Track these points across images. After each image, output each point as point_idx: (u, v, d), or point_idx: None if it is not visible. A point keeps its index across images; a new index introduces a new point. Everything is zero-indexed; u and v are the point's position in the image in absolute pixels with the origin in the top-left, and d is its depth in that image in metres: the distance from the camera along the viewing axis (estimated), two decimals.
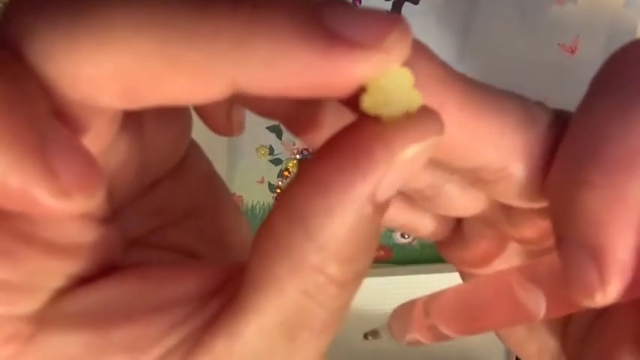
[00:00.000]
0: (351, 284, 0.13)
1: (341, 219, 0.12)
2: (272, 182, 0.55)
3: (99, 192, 0.11)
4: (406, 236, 0.56)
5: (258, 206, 0.55)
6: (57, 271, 0.13)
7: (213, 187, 0.18)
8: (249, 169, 0.54)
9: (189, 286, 0.13)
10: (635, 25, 0.48)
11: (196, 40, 0.10)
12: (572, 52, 0.49)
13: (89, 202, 0.11)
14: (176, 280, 0.13)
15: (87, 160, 0.11)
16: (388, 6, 0.49)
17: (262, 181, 0.55)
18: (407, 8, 0.49)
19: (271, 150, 0.54)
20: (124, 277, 0.13)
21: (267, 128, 0.53)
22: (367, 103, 0.12)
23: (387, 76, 0.11)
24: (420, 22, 0.49)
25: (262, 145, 0.54)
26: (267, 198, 0.55)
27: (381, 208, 0.12)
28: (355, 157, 0.12)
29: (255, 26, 0.10)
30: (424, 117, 0.12)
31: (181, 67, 0.10)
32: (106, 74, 0.11)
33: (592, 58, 0.49)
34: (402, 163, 0.12)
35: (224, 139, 0.52)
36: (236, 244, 0.18)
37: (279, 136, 0.53)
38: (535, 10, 0.49)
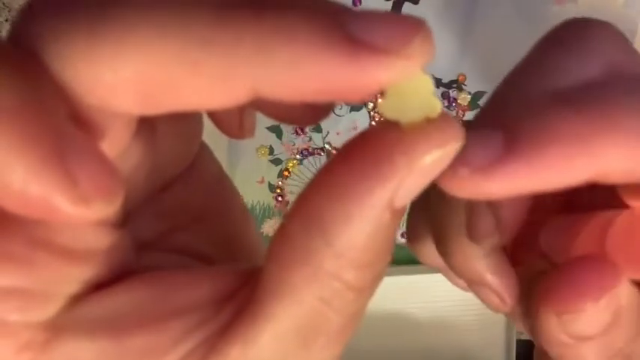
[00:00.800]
0: (368, 290, 0.13)
1: (359, 226, 0.12)
2: (272, 182, 0.55)
3: (118, 198, 0.11)
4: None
5: (258, 206, 0.55)
6: (72, 278, 0.13)
7: (222, 189, 0.18)
8: (249, 169, 0.54)
9: (203, 291, 0.13)
10: (635, 25, 0.48)
11: (217, 46, 0.10)
12: None
13: (108, 208, 0.11)
14: (189, 285, 0.13)
15: (105, 166, 0.11)
16: (388, 6, 0.49)
17: (262, 181, 0.55)
18: (407, 8, 0.49)
19: (271, 150, 0.54)
20: (137, 283, 0.13)
21: (267, 128, 0.53)
22: (387, 108, 0.12)
23: (407, 82, 0.11)
24: None
25: (262, 145, 0.54)
26: (267, 198, 0.55)
27: (398, 214, 0.12)
28: (374, 163, 0.11)
29: (277, 32, 0.10)
30: (444, 123, 0.12)
31: (201, 73, 0.10)
32: (125, 80, 0.10)
33: None
34: (422, 169, 0.11)
35: (224, 139, 0.52)
36: (244, 245, 0.18)
37: (279, 136, 0.53)
38: (535, 10, 0.49)
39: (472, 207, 0.18)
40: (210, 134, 0.19)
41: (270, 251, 0.13)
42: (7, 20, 0.51)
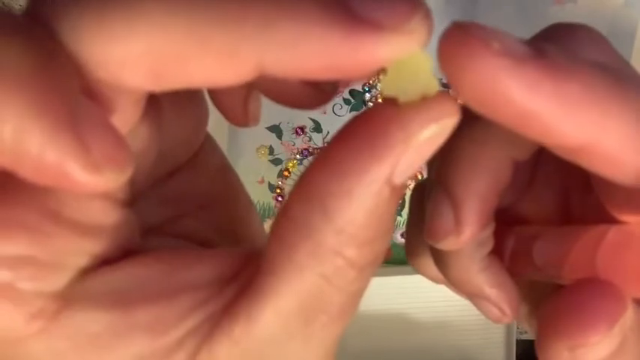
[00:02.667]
0: (368, 268, 0.13)
1: (359, 201, 0.12)
2: (272, 182, 0.55)
3: (128, 168, 0.11)
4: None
5: (258, 206, 0.55)
6: (82, 250, 0.13)
7: (227, 179, 0.18)
8: (249, 169, 0.54)
9: (208, 270, 0.13)
10: (635, 25, 0.48)
11: (225, 21, 0.10)
12: None
13: (119, 178, 0.11)
14: (195, 264, 0.14)
15: (117, 137, 0.11)
16: None
17: (262, 181, 0.55)
18: None
19: (271, 150, 0.54)
20: (145, 260, 0.14)
21: (267, 128, 0.53)
22: (386, 85, 0.12)
23: (406, 60, 0.11)
24: None
25: (262, 145, 0.54)
26: (267, 198, 0.55)
27: (397, 190, 0.12)
28: (373, 139, 0.12)
29: (281, 8, 0.11)
30: (440, 100, 0.12)
31: (210, 48, 0.11)
32: (136, 54, 0.11)
33: None
34: (419, 144, 0.12)
35: (224, 139, 0.52)
36: (247, 234, 0.18)
37: (279, 136, 0.53)
38: (535, 10, 0.49)
39: (429, 208, 0.18)
40: (210, 133, 0.19)
41: (272, 230, 0.13)
42: None
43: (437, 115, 0.12)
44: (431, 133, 0.12)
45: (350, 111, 0.53)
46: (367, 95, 0.52)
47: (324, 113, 0.53)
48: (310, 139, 0.53)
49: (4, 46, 0.10)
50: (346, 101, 0.53)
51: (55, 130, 0.10)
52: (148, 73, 0.11)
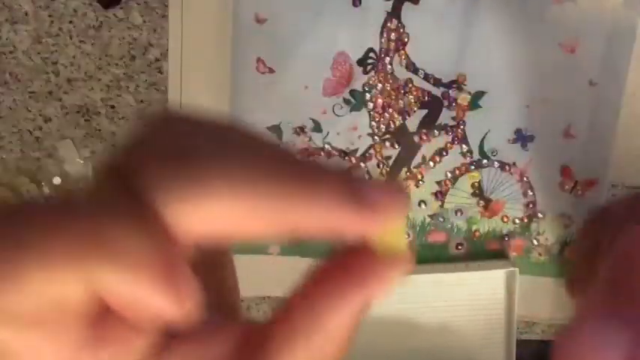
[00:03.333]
0: None
1: (333, 331, 0.17)
2: None
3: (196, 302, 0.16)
4: (405, 236, 0.56)
5: None
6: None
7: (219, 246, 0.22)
8: None
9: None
10: (635, 25, 0.48)
11: (271, 201, 0.15)
12: (572, 51, 0.49)
13: (191, 308, 0.16)
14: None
15: (191, 279, 0.16)
16: (388, 6, 0.49)
17: None
18: (407, 8, 0.49)
19: None
20: None
21: (267, 128, 0.53)
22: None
23: (390, 226, 0.17)
24: (420, 22, 0.49)
25: None
26: None
27: (361, 313, 0.17)
28: (355, 283, 0.17)
29: (313, 195, 0.16)
30: (405, 258, 0.18)
31: (259, 217, 0.16)
32: (212, 221, 0.15)
33: (592, 57, 0.49)
34: (385, 285, 0.17)
35: None
36: (235, 304, 0.22)
37: (280, 136, 0.53)
38: (535, 10, 0.49)
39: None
40: None
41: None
42: (7, 20, 0.51)
43: (401, 268, 0.17)
44: (394, 278, 0.17)
45: (350, 111, 0.53)
46: (367, 95, 0.52)
47: (324, 113, 0.53)
48: (310, 139, 0.53)
49: (124, 231, 0.14)
50: (346, 101, 0.53)
51: (167, 291, 0.15)
52: (219, 232, 0.16)
